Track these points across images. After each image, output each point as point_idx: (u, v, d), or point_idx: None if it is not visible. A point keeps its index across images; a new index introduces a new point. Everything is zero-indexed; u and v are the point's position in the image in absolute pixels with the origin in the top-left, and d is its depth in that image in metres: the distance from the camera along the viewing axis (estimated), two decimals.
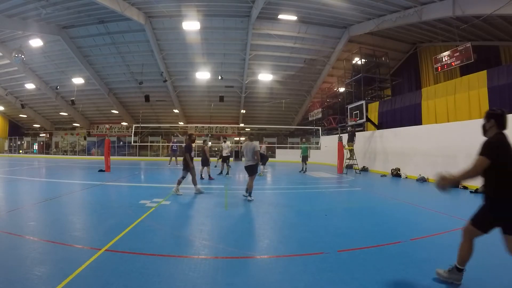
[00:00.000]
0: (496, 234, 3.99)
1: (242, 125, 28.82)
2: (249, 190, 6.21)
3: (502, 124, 2.45)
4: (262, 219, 4.91)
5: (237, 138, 30.48)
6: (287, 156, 22.13)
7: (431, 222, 4.62)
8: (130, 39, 18.34)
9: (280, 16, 15.63)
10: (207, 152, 10.08)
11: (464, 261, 2.56)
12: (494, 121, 2.48)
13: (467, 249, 2.56)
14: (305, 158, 13.25)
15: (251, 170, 6.21)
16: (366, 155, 14.30)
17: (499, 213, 2.38)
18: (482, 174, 2.47)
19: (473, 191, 7.53)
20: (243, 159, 8.22)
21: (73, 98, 22.82)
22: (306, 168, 13.24)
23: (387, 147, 12.75)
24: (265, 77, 21.45)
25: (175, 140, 17.64)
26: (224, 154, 11.48)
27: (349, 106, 15.77)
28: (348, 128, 16.74)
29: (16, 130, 32.74)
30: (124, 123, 30.59)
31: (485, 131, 2.58)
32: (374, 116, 14.90)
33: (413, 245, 3.52)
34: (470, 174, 2.47)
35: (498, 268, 2.88)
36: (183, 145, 8.13)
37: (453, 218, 4.84)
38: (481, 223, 2.51)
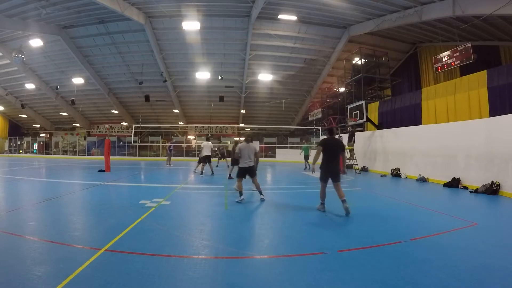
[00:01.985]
0: (497, 236, 4.00)
1: (242, 125, 28.83)
2: (259, 189, 6.18)
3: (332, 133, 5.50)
4: (262, 219, 4.91)
5: (237, 138, 30.50)
6: (287, 156, 22.13)
7: (431, 222, 4.62)
8: (130, 39, 18.34)
9: (280, 16, 15.63)
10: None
11: (322, 199, 5.26)
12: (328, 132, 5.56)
13: (322, 193, 5.27)
14: (306, 157, 14.04)
15: (253, 171, 6.17)
16: (366, 155, 14.29)
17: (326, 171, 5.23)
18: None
19: (473, 191, 7.53)
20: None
21: (73, 98, 22.84)
22: (309, 166, 13.94)
23: (387, 147, 12.74)
24: (265, 77, 21.46)
25: (173, 140, 17.66)
26: (205, 154, 11.17)
27: (349, 106, 15.76)
28: (348, 128, 16.74)
29: (16, 130, 32.76)
30: (124, 123, 30.60)
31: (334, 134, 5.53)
32: (374, 116, 14.89)
33: (413, 245, 3.52)
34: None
35: (499, 269, 2.88)
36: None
37: (453, 218, 4.84)
38: (322, 178, 5.28)
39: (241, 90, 23.12)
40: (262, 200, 6.12)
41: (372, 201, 6.76)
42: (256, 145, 6.16)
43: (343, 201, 5.00)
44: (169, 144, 17.23)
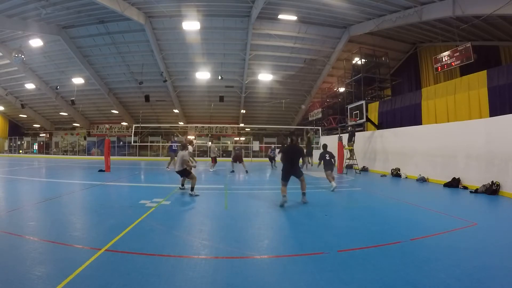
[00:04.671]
0: (497, 236, 3.99)
1: (242, 125, 28.83)
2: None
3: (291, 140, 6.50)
4: (262, 219, 4.90)
5: (237, 138, 30.51)
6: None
7: (431, 222, 4.62)
8: (130, 39, 18.32)
9: (280, 16, 15.61)
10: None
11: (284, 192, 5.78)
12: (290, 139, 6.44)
13: (283, 190, 5.73)
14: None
15: (188, 172, 7.10)
16: (366, 155, 14.29)
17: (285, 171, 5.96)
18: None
19: (473, 191, 7.53)
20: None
21: (73, 98, 22.82)
22: (307, 165, 14.52)
23: (387, 147, 12.74)
24: (265, 77, 21.43)
25: (175, 139, 16.44)
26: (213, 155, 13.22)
27: (349, 106, 15.76)
28: (349, 128, 16.75)
29: (16, 130, 32.74)
30: (124, 123, 30.59)
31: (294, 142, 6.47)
32: (374, 116, 14.89)
33: (413, 245, 3.52)
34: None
35: (499, 269, 2.88)
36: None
37: (453, 218, 4.84)
38: (283, 178, 5.90)
39: (241, 90, 23.12)
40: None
41: (372, 201, 6.76)
42: (186, 153, 7.03)
43: (303, 194, 6.09)
44: (170, 143, 14.56)
